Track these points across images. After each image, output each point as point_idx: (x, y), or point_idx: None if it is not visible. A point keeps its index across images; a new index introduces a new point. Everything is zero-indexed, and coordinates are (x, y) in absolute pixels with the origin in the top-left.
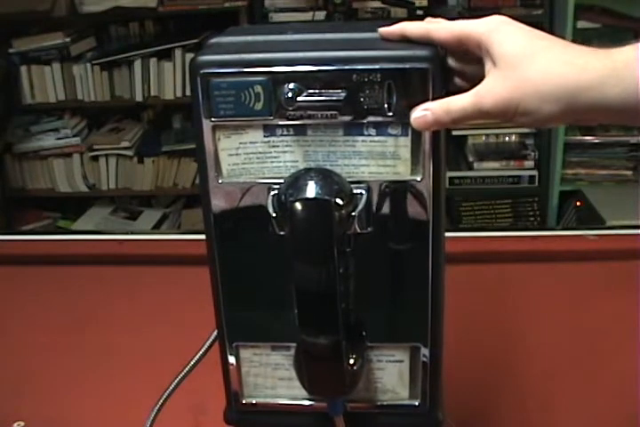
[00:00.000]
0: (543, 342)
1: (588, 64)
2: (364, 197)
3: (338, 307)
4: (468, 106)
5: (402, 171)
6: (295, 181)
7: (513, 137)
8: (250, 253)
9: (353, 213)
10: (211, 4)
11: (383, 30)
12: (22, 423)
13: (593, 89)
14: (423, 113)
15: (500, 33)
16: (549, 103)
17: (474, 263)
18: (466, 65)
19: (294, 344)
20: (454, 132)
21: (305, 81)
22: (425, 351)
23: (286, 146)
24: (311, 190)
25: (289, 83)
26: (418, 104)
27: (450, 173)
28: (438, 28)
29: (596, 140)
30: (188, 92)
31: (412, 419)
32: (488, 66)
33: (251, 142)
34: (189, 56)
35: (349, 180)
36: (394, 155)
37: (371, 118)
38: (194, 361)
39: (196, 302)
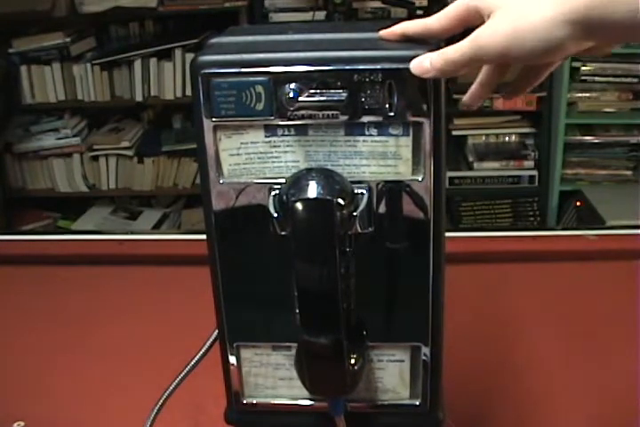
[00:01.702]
0: (543, 341)
1: None
2: (366, 197)
3: (339, 307)
4: (466, 47)
5: (403, 171)
6: (296, 181)
7: (513, 137)
8: (250, 253)
9: (354, 213)
10: (211, 4)
11: (384, 32)
12: (22, 423)
13: (600, 8)
14: (422, 58)
15: None
16: (560, 27)
17: (474, 263)
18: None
19: (295, 344)
20: (454, 133)
21: (306, 81)
22: (425, 351)
23: (287, 146)
24: (312, 190)
25: (290, 83)
26: (419, 104)
27: (450, 173)
28: (434, 18)
29: (596, 140)
30: (188, 92)
31: (413, 419)
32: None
33: (252, 142)
34: (189, 56)
35: (350, 180)
36: (395, 155)
37: (372, 118)
38: (194, 361)
39: (196, 302)
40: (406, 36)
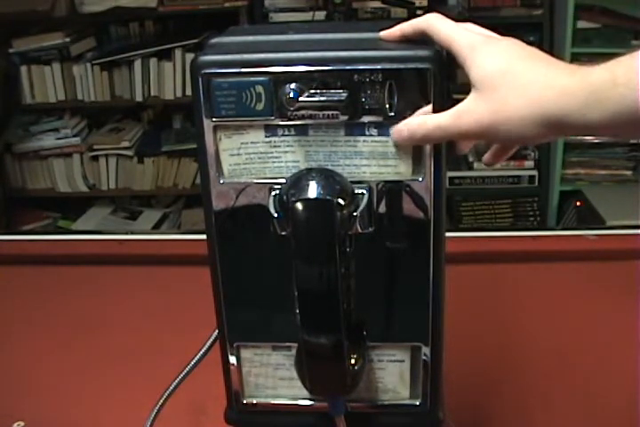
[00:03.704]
0: (543, 341)
1: (567, 88)
2: (366, 197)
3: (339, 307)
4: (445, 124)
5: (403, 171)
6: (297, 182)
7: None
8: (251, 254)
9: (354, 213)
10: (211, 3)
11: (384, 33)
12: (22, 423)
13: (574, 114)
14: (401, 127)
15: (481, 53)
16: (533, 127)
17: (474, 263)
18: None
19: (295, 344)
20: None
21: (306, 81)
22: (426, 351)
23: (287, 146)
24: (313, 190)
25: (290, 83)
26: (419, 104)
27: (450, 173)
28: (433, 30)
29: (596, 140)
30: (188, 92)
31: (413, 418)
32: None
33: (252, 142)
34: (189, 56)
35: (351, 180)
36: (395, 155)
37: (372, 118)
38: (194, 361)
39: (196, 302)
40: (403, 34)
